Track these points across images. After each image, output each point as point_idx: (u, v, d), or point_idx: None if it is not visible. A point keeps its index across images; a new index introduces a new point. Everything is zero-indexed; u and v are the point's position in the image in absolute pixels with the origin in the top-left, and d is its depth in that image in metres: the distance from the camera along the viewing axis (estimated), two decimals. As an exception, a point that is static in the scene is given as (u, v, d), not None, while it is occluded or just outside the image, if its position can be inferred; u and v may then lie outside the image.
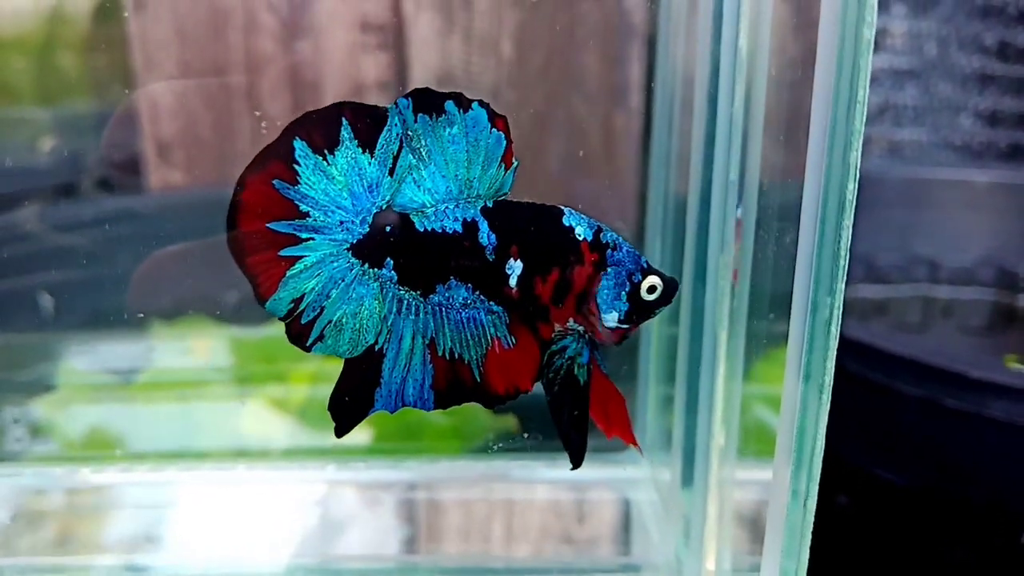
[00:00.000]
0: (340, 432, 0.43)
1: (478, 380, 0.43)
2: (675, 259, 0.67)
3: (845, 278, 0.39)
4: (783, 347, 0.43)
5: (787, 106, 0.46)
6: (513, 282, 0.42)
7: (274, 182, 0.41)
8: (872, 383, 0.66)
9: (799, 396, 0.41)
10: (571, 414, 0.44)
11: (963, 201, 1.16)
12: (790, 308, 0.42)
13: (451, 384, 0.43)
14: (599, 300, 0.43)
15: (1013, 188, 1.16)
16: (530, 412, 0.74)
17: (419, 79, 0.96)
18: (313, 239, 0.41)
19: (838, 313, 0.40)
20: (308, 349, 0.42)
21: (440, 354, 0.42)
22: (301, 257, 0.41)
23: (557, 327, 0.44)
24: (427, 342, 0.42)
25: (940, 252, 1.16)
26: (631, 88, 0.96)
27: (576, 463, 0.44)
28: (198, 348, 0.71)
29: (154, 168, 0.98)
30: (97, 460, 0.70)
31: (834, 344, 0.40)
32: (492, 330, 0.43)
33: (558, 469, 0.69)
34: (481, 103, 0.41)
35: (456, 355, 0.42)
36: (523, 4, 0.94)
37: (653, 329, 0.64)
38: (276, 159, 0.41)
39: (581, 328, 0.43)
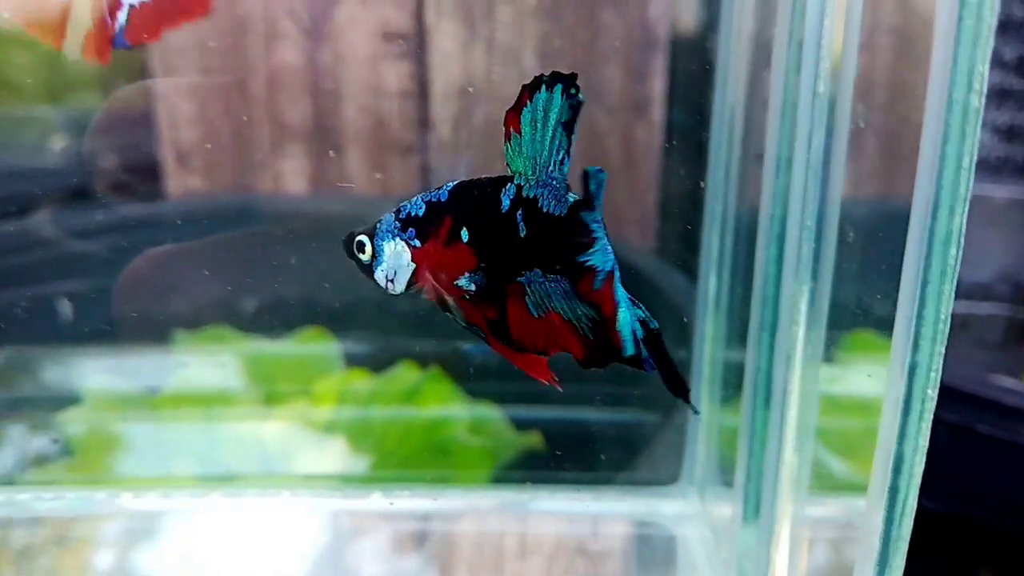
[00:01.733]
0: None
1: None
2: (739, 273, 0.64)
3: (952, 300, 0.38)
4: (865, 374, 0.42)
5: (878, 120, 0.45)
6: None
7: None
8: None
9: (898, 426, 0.39)
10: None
11: (980, 217, 1.16)
12: (870, 330, 0.41)
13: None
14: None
15: (1031, 204, 1.15)
16: (556, 431, 0.73)
17: (440, 89, 0.96)
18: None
19: (943, 340, 0.38)
20: None
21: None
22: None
23: None
24: None
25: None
26: (653, 101, 0.95)
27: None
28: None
29: (173, 174, 0.98)
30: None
31: (938, 373, 0.39)
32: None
33: (601, 501, 0.66)
34: None
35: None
36: (546, 15, 0.94)
37: (705, 354, 0.62)
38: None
39: None
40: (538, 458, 0.69)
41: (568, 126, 0.39)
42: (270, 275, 0.92)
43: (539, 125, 0.40)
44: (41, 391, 0.75)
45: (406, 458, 0.65)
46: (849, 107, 0.47)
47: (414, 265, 0.44)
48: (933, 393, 0.38)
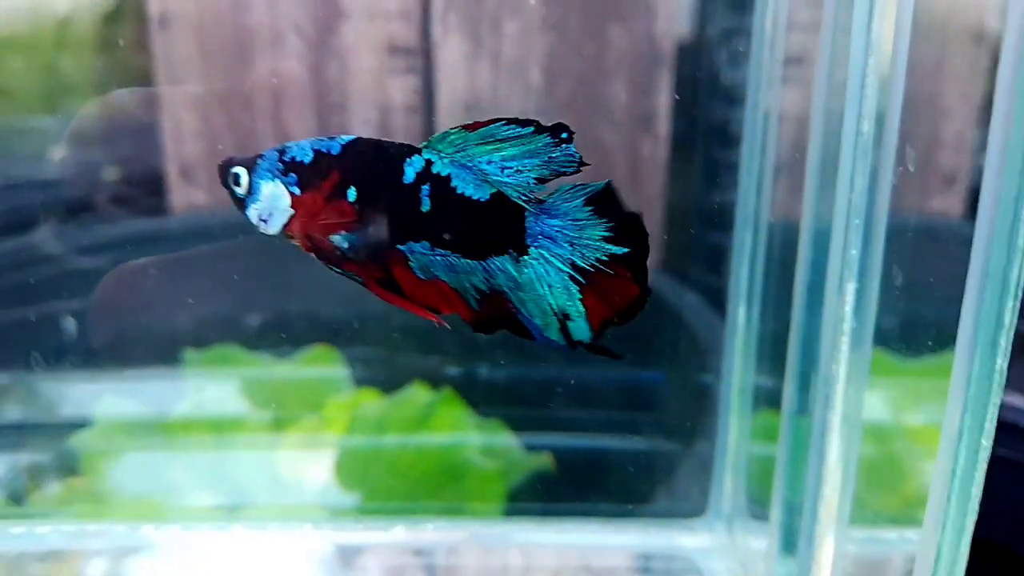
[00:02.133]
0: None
1: None
2: (771, 296, 0.62)
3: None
4: (911, 400, 0.41)
5: (926, 135, 0.44)
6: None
7: None
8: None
9: (953, 453, 0.38)
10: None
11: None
12: (919, 353, 0.40)
13: None
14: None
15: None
16: (572, 460, 0.72)
17: (446, 104, 0.96)
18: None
19: (1005, 364, 0.38)
20: None
21: None
22: None
23: None
24: None
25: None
26: (658, 116, 0.95)
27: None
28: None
29: (176, 188, 0.97)
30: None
31: (997, 401, 0.38)
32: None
33: (623, 534, 0.65)
34: None
35: None
36: (552, 30, 0.93)
37: (733, 381, 0.60)
38: None
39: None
40: (554, 488, 0.68)
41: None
42: (264, 289, 0.91)
43: None
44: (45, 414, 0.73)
45: (417, 482, 0.65)
46: (897, 122, 0.46)
47: (292, 211, 0.43)
48: (991, 426, 0.38)
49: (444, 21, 0.93)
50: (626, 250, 0.41)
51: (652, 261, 1.00)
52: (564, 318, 0.42)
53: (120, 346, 0.87)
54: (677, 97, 0.89)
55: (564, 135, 0.40)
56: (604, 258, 0.41)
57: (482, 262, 0.42)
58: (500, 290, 0.42)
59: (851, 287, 0.46)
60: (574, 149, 0.40)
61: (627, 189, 0.98)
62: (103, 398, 0.70)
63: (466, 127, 0.41)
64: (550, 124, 0.39)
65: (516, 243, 0.42)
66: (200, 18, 0.93)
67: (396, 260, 0.42)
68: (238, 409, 0.69)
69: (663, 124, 0.95)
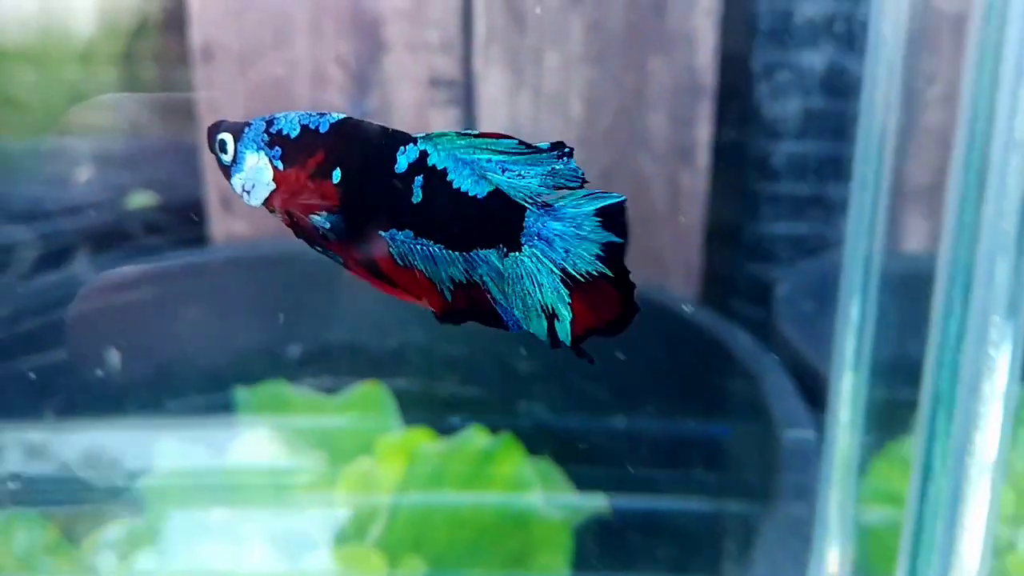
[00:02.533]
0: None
1: None
2: (884, 338, 0.59)
3: None
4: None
5: None
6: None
7: None
8: None
9: None
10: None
11: None
12: None
13: None
14: None
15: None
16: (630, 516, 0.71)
17: (486, 135, 0.96)
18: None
19: None
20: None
21: None
22: None
23: None
24: None
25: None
26: (697, 148, 0.96)
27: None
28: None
29: (217, 219, 0.97)
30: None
31: None
32: None
33: None
34: None
35: None
36: (593, 62, 0.94)
37: (836, 439, 0.56)
38: None
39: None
40: (619, 552, 0.66)
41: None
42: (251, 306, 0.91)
43: None
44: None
45: (478, 537, 0.63)
46: None
47: (274, 185, 0.43)
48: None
49: (486, 53, 0.93)
50: (610, 274, 0.41)
51: (692, 292, 1.00)
52: (550, 317, 0.42)
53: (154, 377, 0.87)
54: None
55: (566, 149, 0.39)
56: (595, 273, 0.41)
57: (465, 254, 0.42)
58: (477, 282, 0.42)
59: (997, 321, 0.43)
60: (575, 164, 0.40)
61: (665, 220, 0.99)
62: (160, 443, 0.69)
63: (467, 132, 0.41)
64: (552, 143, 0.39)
65: (509, 241, 0.41)
66: (242, 50, 0.93)
67: (376, 245, 0.42)
68: (290, 457, 0.68)
69: (702, 156, 0.96)
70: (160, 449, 0.70)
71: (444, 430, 0.72)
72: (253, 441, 0.70)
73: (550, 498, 0.66)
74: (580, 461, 0.73)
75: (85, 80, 1.11)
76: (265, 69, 0.94)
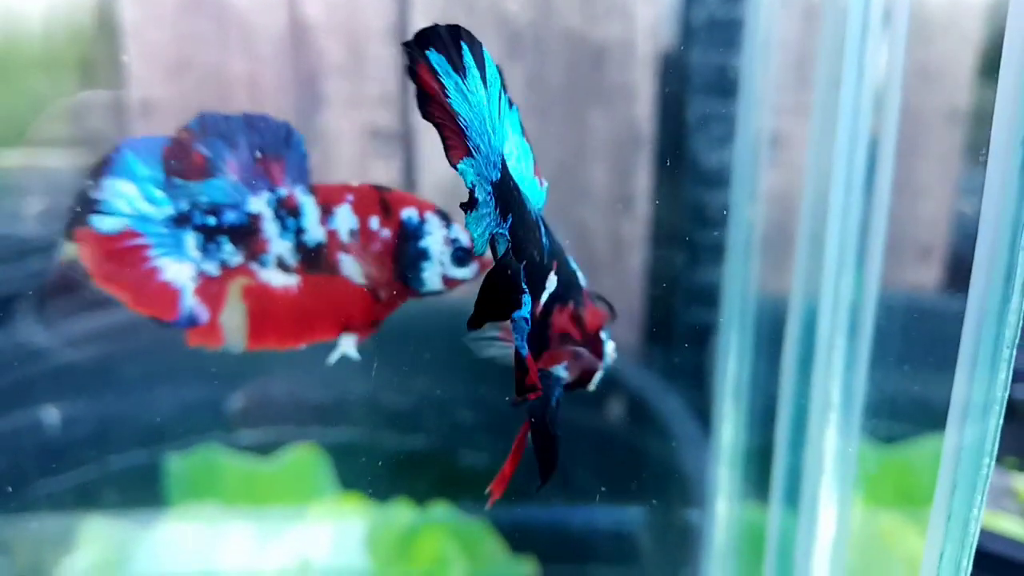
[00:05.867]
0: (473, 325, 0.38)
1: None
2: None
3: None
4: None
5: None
6: (545, 296, 0.40)
7: (441, 79, 0.37)
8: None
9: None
10: (546, 445, 0.41)
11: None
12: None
13: None
14: (606, 345, 0.43)
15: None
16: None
17: (428, 186, 0.97)
18: (474, 156, 0.38)
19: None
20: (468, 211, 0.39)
21: None
22: (472, 159, 0.38)
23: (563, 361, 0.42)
24: None
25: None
26: (638, 197, 0.97)
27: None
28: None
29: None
30: None
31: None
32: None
33: None
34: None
35: None
36: (534, 115, 0.95)
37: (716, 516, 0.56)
38: (420, 63, 0.37)
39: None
40: None
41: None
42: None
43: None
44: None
45: None
46: (887, 201, 0.47)
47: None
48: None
49: (426, 107, 0.94)
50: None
51: (634, 339, 1.01)
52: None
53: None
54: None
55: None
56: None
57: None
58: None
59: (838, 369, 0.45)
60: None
61: (608, 269, 0.99)
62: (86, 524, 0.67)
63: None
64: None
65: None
66: (183, 105, 0.94)
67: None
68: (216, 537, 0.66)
69: (643, 206, 0.97)
70: (85, 531, 0.69)
71: (377, 494, 0.72)
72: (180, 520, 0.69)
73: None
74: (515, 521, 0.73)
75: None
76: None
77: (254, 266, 0.48)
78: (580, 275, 0.43)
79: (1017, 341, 0.38)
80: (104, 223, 0.45)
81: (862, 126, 0.52)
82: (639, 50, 0.94)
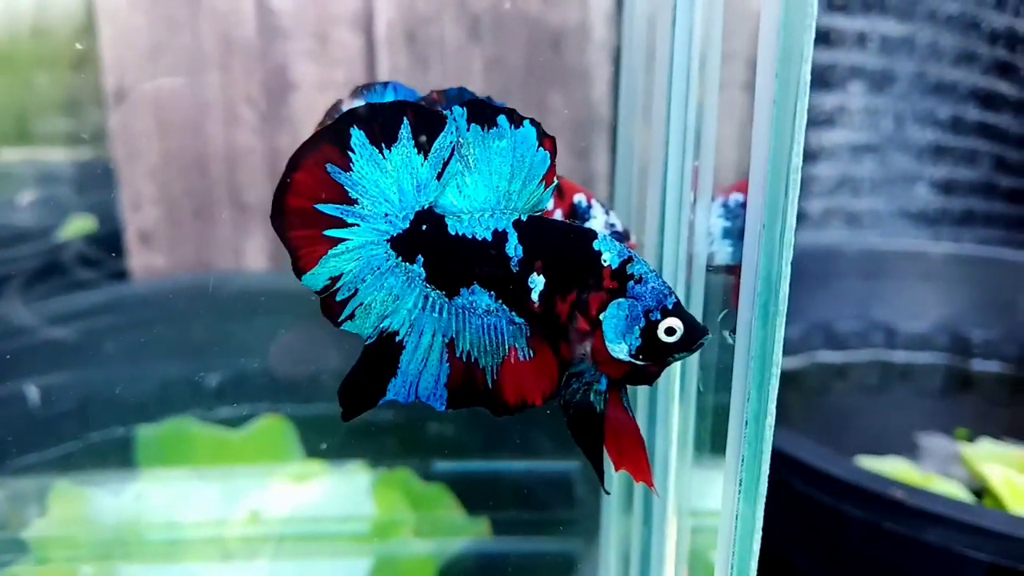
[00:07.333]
0: (347, 416, 0.43)
1: (490, 386, 0.43)
2: None
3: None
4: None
5: None
6: (535, 296, 0.42)
7: (327, 166, 0.41)
8: (819, 503, 0.69)
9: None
10: (586, 441, 0.44)
11: (918, 270, 1.22)
12: None
13: (464, 385, 0.43)
14: (605, 328, 0.43)
15: (964, 259, 1.21)
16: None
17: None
18: (358, 225, 0.41)
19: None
20: (338, 325, 0.42)
21: (458, 355, 0.43)
22: (345, 240, 0.42)
23: (578, 349, 0.43)
24: (447, 341, 0.43)
25: (896, 319, 1.22)
26: (598, 179, 1.00)
27: (602, 486, 0.45)
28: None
29: (136, 253, 1.01)
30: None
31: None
32: (511, 340, 0.43)
33: None
34: (532, 121, 0.42)
35: (473, 358, 0.43)
36: (494, 99, 0.97)
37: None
38: (331, 144, 0.40)
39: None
40: None
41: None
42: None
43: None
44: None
45: None
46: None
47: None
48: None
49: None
50: None
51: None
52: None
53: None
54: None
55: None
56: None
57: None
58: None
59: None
60: None
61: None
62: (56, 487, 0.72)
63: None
64: None
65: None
66: (154, 92, 0.97)
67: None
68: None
69: (603, 187, 1.00)
70: (55, 493, 0.73)
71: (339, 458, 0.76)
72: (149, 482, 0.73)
73: (424, 533, 0.70)
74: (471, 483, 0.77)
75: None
76: (177, 110, 0.98)
77: None
78: (614, 251, 0.44)
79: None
80: None
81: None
82: (596, 34, 0.97)
